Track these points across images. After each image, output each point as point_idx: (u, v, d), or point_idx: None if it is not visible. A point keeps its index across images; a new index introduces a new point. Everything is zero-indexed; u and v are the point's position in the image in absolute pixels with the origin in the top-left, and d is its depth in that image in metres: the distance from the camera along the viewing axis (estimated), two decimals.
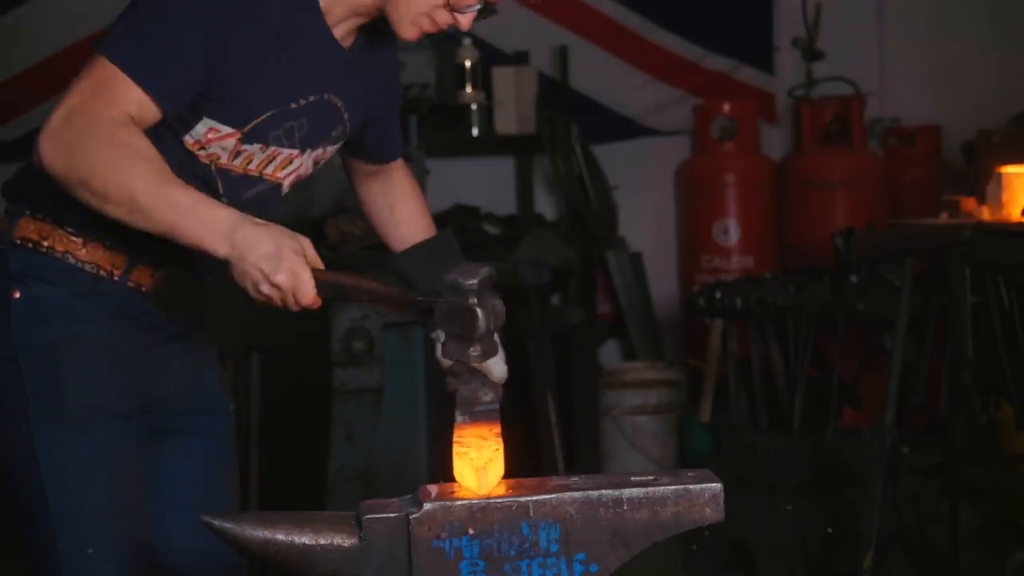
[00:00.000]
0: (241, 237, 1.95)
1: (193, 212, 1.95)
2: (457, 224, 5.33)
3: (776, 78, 6.35)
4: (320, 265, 2.05)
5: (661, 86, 6.20)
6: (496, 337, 2.30)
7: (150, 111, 2.01)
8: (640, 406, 5.35)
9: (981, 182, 4.34)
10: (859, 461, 4.06)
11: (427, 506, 1.64)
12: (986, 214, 4.20)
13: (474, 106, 5.50)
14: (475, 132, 5.54)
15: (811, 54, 6.10)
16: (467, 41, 5.47)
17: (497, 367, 2.31)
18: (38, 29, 5.11)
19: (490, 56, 5.64)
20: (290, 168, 2.24)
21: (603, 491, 1.66)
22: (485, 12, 2.17)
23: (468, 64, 5.50)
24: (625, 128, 6.15)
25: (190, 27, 2.03)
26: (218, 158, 2.15)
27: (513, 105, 5.57)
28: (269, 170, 2.22)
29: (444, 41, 5.46)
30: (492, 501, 1.65)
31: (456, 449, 1.77)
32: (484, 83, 5.57)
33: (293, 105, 2.16)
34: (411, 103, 5.03)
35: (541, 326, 4.91)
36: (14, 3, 5.07)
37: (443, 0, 2.12)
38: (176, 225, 1.95)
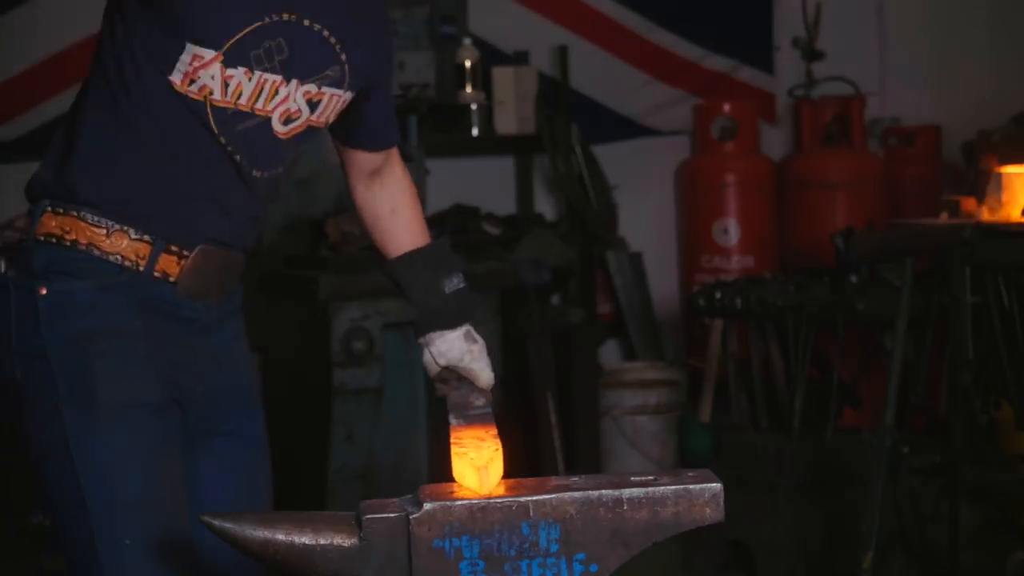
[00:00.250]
0: None
1: None
2: (457, 224, 5.33)
3: (776, 78, 6.35)
4: None
5: (661, 86, 6.20)
6: (481, 343, 2.32)
7: None
8: (640, 406, 5.36)
9: (981, 182, 4.34)
10: (859, 461, 4.06)
11: (427, 506, 1.64)
12: (986, 214, 4.20)
13: (474, 106, 5.50)
14: (475, 132, 5.54)
15: (811, 54, 6.10)
16: (467, 41, 5.47)
17: (484, 374, 2.33)
18: (38, 29, 5.10)
19: (490, 56, 5.64)
20: (277, 99, 2.20)
21: (603, 491, 1.66)
22: None
23: (468, 64, 5.50)
24: (625, 128, 6.15)
25: None
26: (211, 92, 2.14)
27: (513, 105, 5.57)
28: (259, 104, 2.19)
29: (444, 41, 5.47)
30: (492, 501, 1.65)
31: (455, 450, 1.77)
32: (484, 83, 5.57)
33: (267, 19, 2.15)
34: (411, 103, 5.02)
35: (541, 326, 4.91)
36: (14, 3, 5.06)
37: None
38: None
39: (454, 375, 2.33)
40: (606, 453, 5.33)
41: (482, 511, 1.65)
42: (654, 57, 6.16)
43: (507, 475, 1.72)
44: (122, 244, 2.16)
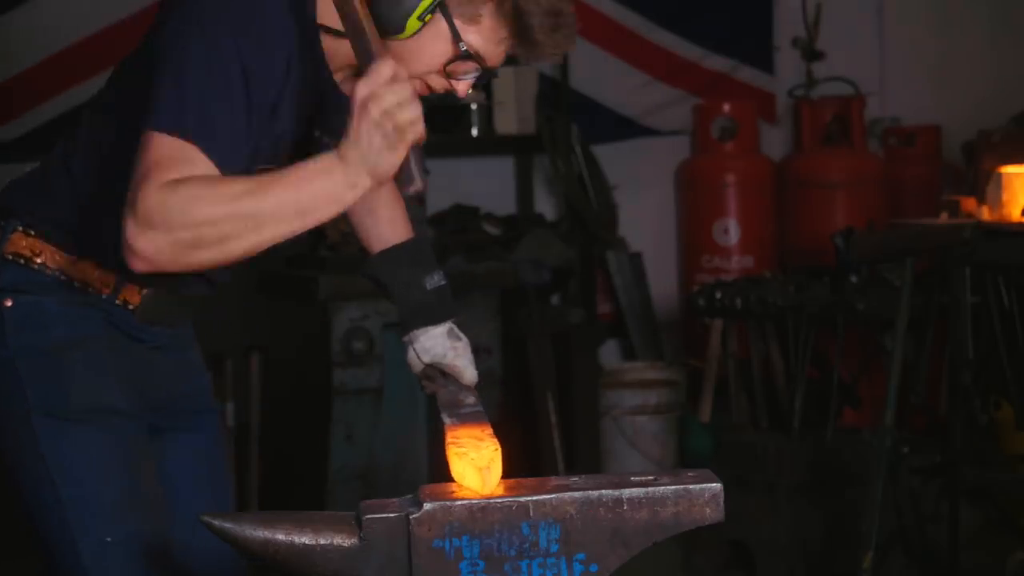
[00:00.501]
0: (351, 159, 1.84)
1: (297, 190, 1.85)
2: (457, 224, 5.33)
3: (776, 78, 6.35)
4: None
5: (661, 86, 6.20)
6: (464, 340, 2.33)
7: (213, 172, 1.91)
8: (640, 406, 5.36)
9: (981, 182, 4.34)
10: (859, 461, 4.06)
11: (427, 506, 1.64)
12: (986, 214, 4.19)
13: (474, 106, 5.50)
14: (475, 132, 5.54)
15: (811, 54, 6.10)
16: None
17: (468, 371, 2.33)
18: (38, 29, 5.10)
19: None
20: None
21: (603, 491, 1.66)
22: (484, 77, 2.14)
23: None
24: (625, 128, 6.15)
25: (233, 81, 1.94)
26: None
27: (513, 105, 5.57)
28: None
29: None
30: (492, 501, 1.65)
31: (455, 450, 1.77)
32: (484, 83, 5.57)
33: (281, 144, 2.14)
34: None
35: (541, 326, 4.91)
36: (14, 3, 5.06)
37: (439, 66, 2.08)
38: (300, 213, 1.85)
39: (438, 372, 2.33)
40: (606, 453, 5.33)
41: (482, 511, 1.65)
42: (654, 57, 6.15)
43: (507, 475, 1.72)
44: (88, 273, 2.17)
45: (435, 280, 2.37)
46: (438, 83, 2.11)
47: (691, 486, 1.67)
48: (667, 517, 1.67)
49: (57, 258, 2.17)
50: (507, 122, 5.58)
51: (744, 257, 5.95)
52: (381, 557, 1.65)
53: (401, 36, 2.04)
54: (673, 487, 1.67)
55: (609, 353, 6.02)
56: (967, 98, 5.95)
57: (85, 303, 2.18)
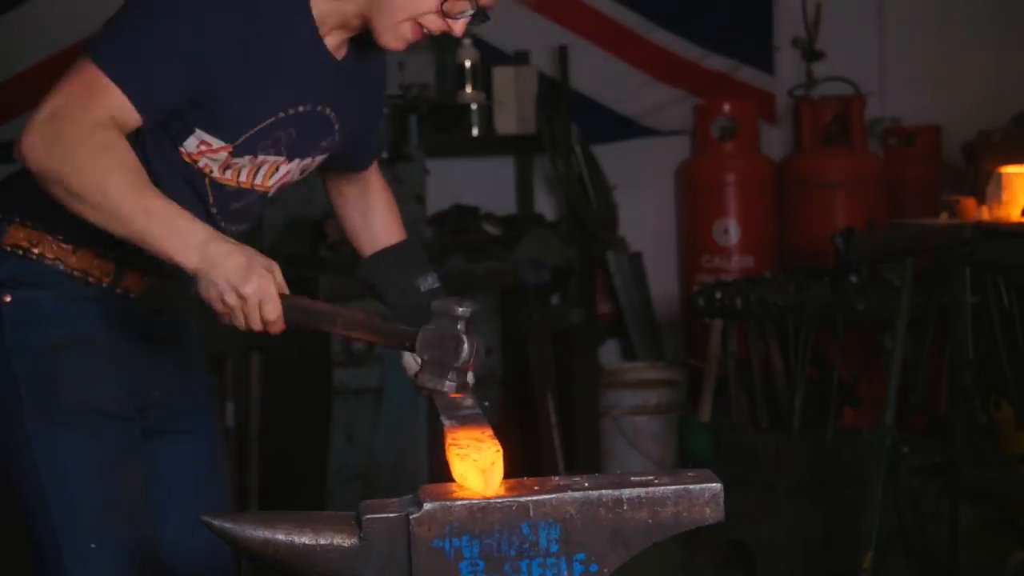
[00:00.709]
0: (213, 250, 1.95)
1: (166, 221, 1.95)
2: (457, 224, 5.33)
3: (776, 78, 6.35)
4: (286, 291, 2.03)
5: (661, 86, 6.20)
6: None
7: (131, 116, 2.01)
8: (640, 406, 5.36)
9: (981, 182, 4.33)
10: (859, 461, 4.06)
11: (427, 506, 1.64)
12: (986, 214, 4.19)
13: (474, 106, 5.50)
14: (475, 132, 5.54)
15: (811, 54, 6.10)
16: (467, 41, 5.47)
17: None
18: (38, 29, 5.10)
19: (490, 56, 5.64)
20: (277, 176, 2.25)
21: (603, 491, 1.66)
22: (479, 17, 2.16)
23: (468, 64, 5.50)
24: (625, 128, 6.15)
25: (177, 32, 2.02)
26: (210, 171, 2.17)
27: (513, 105, 5.57)
28: (258, 180, 2.23)
29: (444, 41, 5.46)
30: (492, 501, 1.65)
31: (456, 451, 1.77)
32: (484, 83, 5.57)
33: (282, 114, 2.16)
34: (411, 103, 5.03)
35: (541, 326, 4.90)
36: (14, 3, 5.06)
37: (435, 5, 2.10)
38: (147, 231, 1.95)
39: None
40: (606, 453, 5.33)
41: (482, 511, 1.65)
42: (654, 57, 6.15)
43: (507, 475, 1.72)
44: (87, 261, 2.18)
45: (429, 282, 2.37)
46: (434, 24, 2.13)
47: (691, 486, 1.67)
48: (667, 517, 1.67)
49: (55, 248, 2.17)
50: (507, 122, 5.58)
51: (744, 257, 5.95)
52: (381, 557, 1.65)
53: None
54: (673, 487, 1.67)
55: (609, 353, 6.02)
56: (967, 98, 5.95)
57: (84, 297, 2.18)
